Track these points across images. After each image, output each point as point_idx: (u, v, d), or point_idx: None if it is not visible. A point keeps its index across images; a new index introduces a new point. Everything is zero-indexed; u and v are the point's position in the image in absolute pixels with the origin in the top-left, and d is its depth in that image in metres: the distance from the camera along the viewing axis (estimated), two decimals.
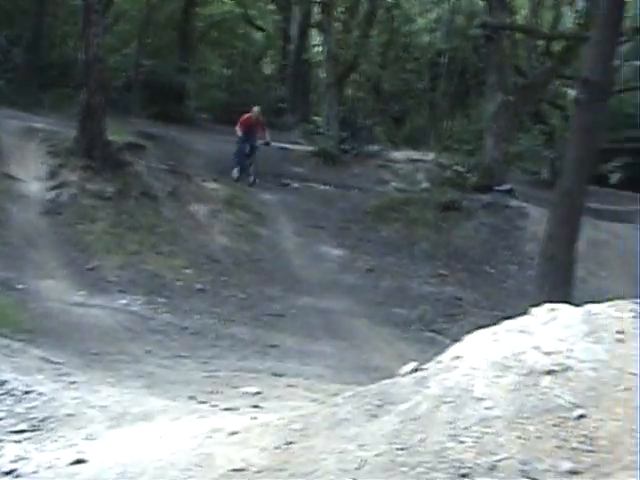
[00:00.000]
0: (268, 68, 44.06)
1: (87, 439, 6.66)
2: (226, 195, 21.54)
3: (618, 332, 5.37)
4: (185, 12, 34.44)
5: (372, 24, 34.55)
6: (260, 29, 41.66)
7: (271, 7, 40.48)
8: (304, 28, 35.66)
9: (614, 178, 31.72)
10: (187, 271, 17.48)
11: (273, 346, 14.14)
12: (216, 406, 8.33)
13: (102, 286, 15.95)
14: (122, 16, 34.18)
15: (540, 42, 30.84)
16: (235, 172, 23.45)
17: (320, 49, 34.74)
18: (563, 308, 5.70)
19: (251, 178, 23.46)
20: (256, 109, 24.24)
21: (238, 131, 23.78)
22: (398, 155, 28.16)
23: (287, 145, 27.24)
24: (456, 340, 5.92)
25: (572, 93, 24.98)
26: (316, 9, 33.33)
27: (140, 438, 6.49)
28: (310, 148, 27.24)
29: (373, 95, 38.28)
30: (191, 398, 9.12)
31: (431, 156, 27.27)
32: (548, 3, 33.72)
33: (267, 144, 24.06)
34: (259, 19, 41.07)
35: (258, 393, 9.70)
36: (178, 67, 31.76)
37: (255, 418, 6.55)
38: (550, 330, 5.43)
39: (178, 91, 30.84)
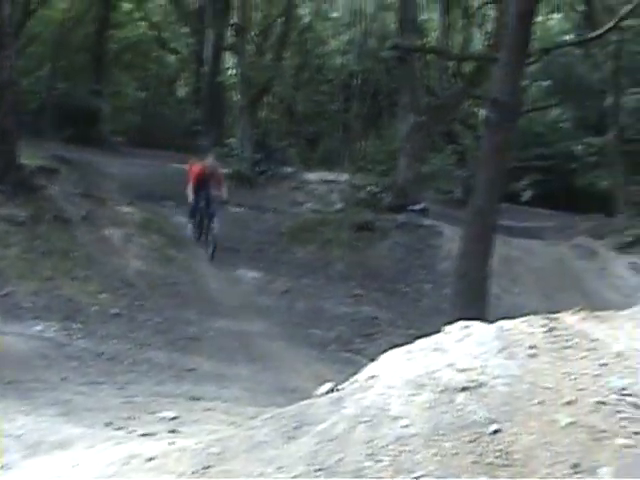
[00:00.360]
0: (182, 91, 43.91)
1: (2, 469, 6.57)
2: (140, 219, 21.37)
3: (530, 347, 5.45)
4: (99, 34, 34.25)
5: (285, 46, 34.76)
6: (174, 52, 41.58)
7: (185, 30, 40.42)
8: (218, 51, 35.62)
9: (525, 196, 32.27)
10: (102, 296, 17.28)
11: (190, 370, 14.06)
12: (133, 432, 8.25)
13: (16, 313, 15.66)
14: (35, 38, 33.77)
15: (451, 63, 31.23)
16: (189, 229, 21.06)
17: (234, 72, 34.75)
18: (476, 325, 5.77)
19: (210, 248, 20.20)
20: (211, 157, 21.32)
21: (189, 194, 20.42)
22: (312, 176, 28.28)
23: None
24: (372, 360, 5.95)
25: (483, 113, 25.37)
26: (230, 32, 33.33)
27: (56, 467, 6.41)
28: (224, 170, 27.21)
29: (287, 117, 38.42)
30: (108, 425, 9.02)
31: (345, 177, 27.43)
32: (458, 25, 34.16)
33: (224, 202, 20.95)
34: (173, 42, 41.02)
35: (175, 418, 9.62)
36: (92, 90, 31.56)
37: (172, 443, 6.51)
38: (464, 347, 5.50)
39: (92, 114, 30.65)
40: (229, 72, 37.12)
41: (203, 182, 20.38)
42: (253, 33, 33.94)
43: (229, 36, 33.99)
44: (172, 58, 42.31)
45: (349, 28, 38.01)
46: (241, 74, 30.67)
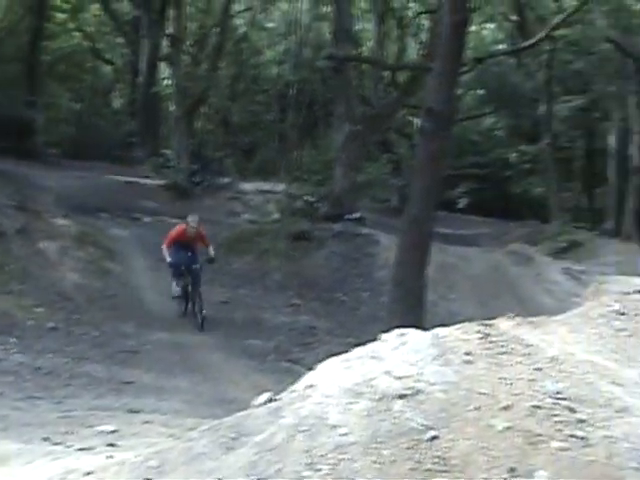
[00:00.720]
0: (117, 102, 43.67)
1: None
2: (76, 231, 21.19)
3: (466, 354, 5.50)
4: (32, 45, 33.86)
5: (221, 57, 34.70)
6: (109, 62, 41.34)
7: (119, 40, 40.18)
8: (153, 61, 35.47)
9: (461, 203, 32.57)
10: (38, 310, 17.10)
11: (128, 383, 13.94)
12: (71, 446, 8.17)
13: None
14: None
15: (386, 73, 31.47)
16: (174, 289, 18.55)
17: (169, 82, 34.65)
18: (412, 333, 5.81)
19: (199, 318, 17.83)
20: (192, 219, 18.32)
21: (165, 254, 17.93)
22: (249, 187, 28.29)
23: (137, 179, 27.02)
24: (310, 369, 5.97)
25: (418, 122, 25.57)
26: (165, 42, 33.22)
27: None
28: (161, 182, 27.11)
29: (223, 127, 38.36)
30: (45, 440, 8.93)
31: (281, 187, 27.47)
32: (393, 35, 34.42)
33: (211, 261, 18.51)
34: (107, 53, 40.79)
35: (114, 431, 9.54)
36: (26, 101, 31.19)
37: (111, 457, 6.46)
38: (400, 355, 5.53)
39: (26, 125, 30.29)
40: (164, 83, 37.03)
41: (184, 244, 18.14)
42: (188, 43, 33.88)
43: (164, 47, 33.89)
44: (107, 69, 42.09)
45: (285, 38, 38.15)
46: (176, 85, 30.61)
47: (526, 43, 28.60)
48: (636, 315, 6.37)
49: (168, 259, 17.81)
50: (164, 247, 17.91)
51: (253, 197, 27.19)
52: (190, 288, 18.14)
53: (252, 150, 37.87)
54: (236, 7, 36.33)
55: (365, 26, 34.92)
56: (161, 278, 19.89)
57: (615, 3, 29.53)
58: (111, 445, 8.26)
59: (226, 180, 28.48)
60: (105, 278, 19.59)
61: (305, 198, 25.55)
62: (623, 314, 6.38)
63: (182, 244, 18.01)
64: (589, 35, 30.12)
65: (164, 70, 37.20)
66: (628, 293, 6.66)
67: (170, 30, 31.63)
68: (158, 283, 19.95)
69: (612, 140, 32.43)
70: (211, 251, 18.51)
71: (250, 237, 23.07)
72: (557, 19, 27.30)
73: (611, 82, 31.78)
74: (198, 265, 18.04)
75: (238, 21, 37.92)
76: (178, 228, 18.26)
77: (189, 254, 18.13)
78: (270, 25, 39.46)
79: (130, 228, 22.98)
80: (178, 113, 30.36)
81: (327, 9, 33.04)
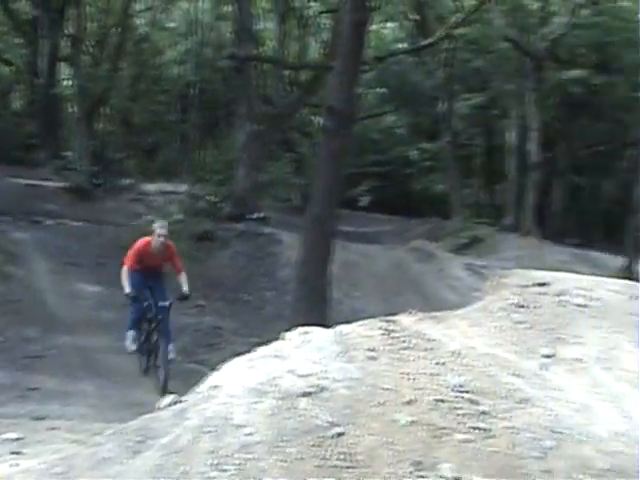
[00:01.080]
0: (17, 103, 42.89)
1: None
2: None
3: (369, 350, 5.57)
4: None
5: (121, 57, 34.35)
6: (7, 63, 40.56)
7: (18, 41, 39.45)
8: (53, 62, 34.86)
9: (363, 201, 32.76)
10: None
11: (33, 389, 13.74)
12: None
13: None
14: None
15: (288, 72, 31.48)
16: (129, 339, 13.55)
17: (70, 83, 34.19)
18: (315, 330, 5.86)
19: (161, 378, 12.91)
20: (160, 225, 13.35)
21: (125, 280, 12.97)
22: (151, 188, 28.07)
23: (38, 182, 26.60)
24: (215, 369, 5.98)
25: (319, 121, 25.68)
26: (65, 42, 32.74)
27: None
28: (62, 184, 26.74)
29: (124, 128, 37.97)
30: None
31: (184, 187, 27.31)
32: (294, 34, 34.44)
33: (185, 297, 13.42)
34: (6, 53, 40.02)
35: (19, 439, 9.39)
36: None
37: (16, 465, 6.39)
38: (304, 353, 5.58)
39: None
40: (65, 83, 36.48)
41: (148, 265, 13.21)
42: (89, 43, 33.43)
43: (64, 47, 33.42)
44: (6, 70, 41.30)
45: (186, 38, 37.95)
46: (77, 85, 30.24)
47: (426, 42, 28.94)
48: (535, 307, 6.51)
49: (127, 289, 12.90)
50: (125, 269, 13.03)
51: (156, 198, 26.97)
52: (154, 335, 13.28)
53: (154, 151, 37.56)
54: (137, 7, 36.00)
55: (266, 25, 34.87)
56: (65, 281, 19.66)
57: (512, 3, 30.05)
58: (16, 453, 8.15)
59: (128, 181, 28.21)
60: (7, 282, 19.25)
61: (208, 198, 25.45)
62: (522, 307, 6.52)
63: (145, 266, 13.13)
64: (488, 34, 30.55)
65: (64, 70, 36.67)
66: (527, 286, 6.80)
67: (70, 30, 31.24)
68: (62, 286, 19.69)
69: (511, 137, 32.93)
70: (184, 281, 13.32)
71: None
72: (456, 18, 27.68)
73: (510, 80, 32.29)
74: (167, 302, 13.08)
75: (139, 21, 37.53)
76: (141, 242, 13.26)
77: (153, 285, 13.33)
78: (171, 25, 39.16)
79: (31, 231, 22.59)
80: (79, 114, 30.00)
81: (228, 8, 32.95)
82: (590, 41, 31.31)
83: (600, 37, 30.74)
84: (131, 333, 13.44)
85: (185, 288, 13.20)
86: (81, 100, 29.91)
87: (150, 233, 13.35)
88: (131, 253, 13.16)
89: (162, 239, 13.06)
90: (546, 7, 32.17)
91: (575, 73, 29.66)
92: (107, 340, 17.17)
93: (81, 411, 12.61)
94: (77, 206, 24.97)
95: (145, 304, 13.19)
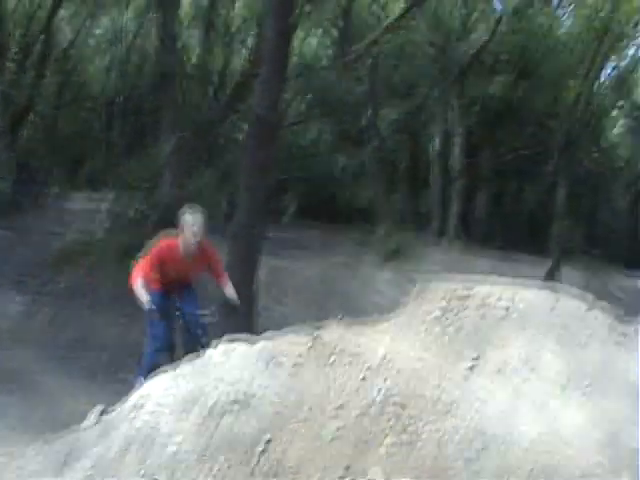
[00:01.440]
0: None
1: None
2: None
3: (297, 356, 5.58)
4: None
5: (47, 64, 33.99)
6: None
7: None
8: None
9: (290, 209, 32.82)
10: None
11: None
12: None
13: None
14: None
15: (214, 79, 31.44)
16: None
17: None
18: (242, 339, 5.85)
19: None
20: (193, 219, 10.18)
21: (140, 291, 9.53)
22: (77, 197, 27.80)
23: None
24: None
25: (246, 128, 25.67)
26: None
27: None
28: None
29: (50, 136, 37.58)
30: None
31: (111, 197, 27.08)
32: (220, 41, 34.35)
33: (232, 304, 10.56)
34: None
35: None
36: None
37: None
38: (231, 362, 5.57)
39: None
40: None
41: (172, 279, 10.00)
42: (13, 50, 33.02)
43: None
44: None
45: (112, 46, 37.70)
46: (1, 93, 29.85)
47: (352, 49, 29.06)
48: (460, 312, 6.57)
49: (146, 298, 9.43)
50: (138, 280, 9.66)
51: (82, 207, 26.71)
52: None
53: (80, 160, 37.22)
54: (62, 13, 35.64)
55: (192, 32, 34.79)
56: None
57: (435, 16, 30.39)
58: None
59: (53, 191, 27.92)
60: None
61: (135, 207, 25.25)
62: (448, 312, 6.56)
63: (169, 281, 9.94)
64: (413, 40, 30.78)
65: None
66: (452, 292, 6.85)
67: None
68: None
69: (435, 144, 33.20)
70: (228, 286, 10.38)
71: (79, 250, 22.61)
72: (383, 25, 27.84)
73: (434, 86, 32.55)
74: (201, 311, 10.62)
75: (65, 28, 37.18)
76: (163, 246, 9.98)
77: (184, 299, 10.38)
78: (97, 32, 38.87)
79: None
80: (2, 123, 29.62)
81: (153, 16, 32.80)
82: (514, 47, 31.72)
83: (523, 42, 31.16)
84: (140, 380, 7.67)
85: (232, 292, 10.28)
86: (5, 108, 29.53)
87: (177, 233, 9.94)
88: (147, 262, 9.87)
89: (198, 239, 9.68)
90: (468, 22, 32.57)
91: (499, 79, 30.01)
92: (31, 357, 16.91)
93: (9, 423, 12.45)
94: None
95: (173, 317, 10.21)
